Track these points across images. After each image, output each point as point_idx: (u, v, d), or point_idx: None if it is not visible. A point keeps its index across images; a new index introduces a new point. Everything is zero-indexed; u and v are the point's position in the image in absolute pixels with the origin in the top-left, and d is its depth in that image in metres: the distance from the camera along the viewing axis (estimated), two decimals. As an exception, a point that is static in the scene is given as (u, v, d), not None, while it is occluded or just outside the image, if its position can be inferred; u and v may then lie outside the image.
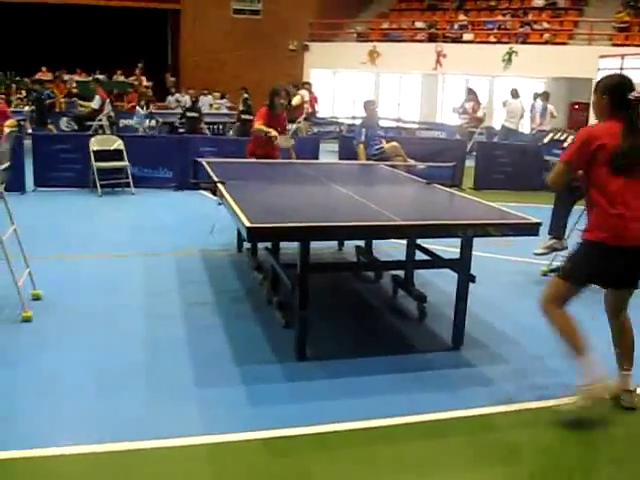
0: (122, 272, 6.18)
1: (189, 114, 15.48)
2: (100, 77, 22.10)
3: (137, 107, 17.15)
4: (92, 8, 25.81)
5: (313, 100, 20.79)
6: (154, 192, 10.32)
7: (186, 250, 6.97)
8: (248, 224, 3.72)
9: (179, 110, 17.77)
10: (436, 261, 5.08)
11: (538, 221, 4.36)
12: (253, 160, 7.05)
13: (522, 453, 3.42)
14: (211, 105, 20.72)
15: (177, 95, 20.95)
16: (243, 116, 16.23)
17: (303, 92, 19.02)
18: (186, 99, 19.01)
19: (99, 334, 4.68)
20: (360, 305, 5.64)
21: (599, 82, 3.85)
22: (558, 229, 6.34)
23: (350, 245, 6.70)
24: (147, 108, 17.93)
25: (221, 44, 25.62)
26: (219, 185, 5.10)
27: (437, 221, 4.20)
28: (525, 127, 17.21)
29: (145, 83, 23.99)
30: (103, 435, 3.35)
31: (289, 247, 4.67)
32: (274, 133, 7.37)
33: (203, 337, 4.69)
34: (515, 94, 16.80)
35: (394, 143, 9.91)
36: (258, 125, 7.47)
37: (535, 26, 23.73)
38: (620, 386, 3.88)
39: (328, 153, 13.37)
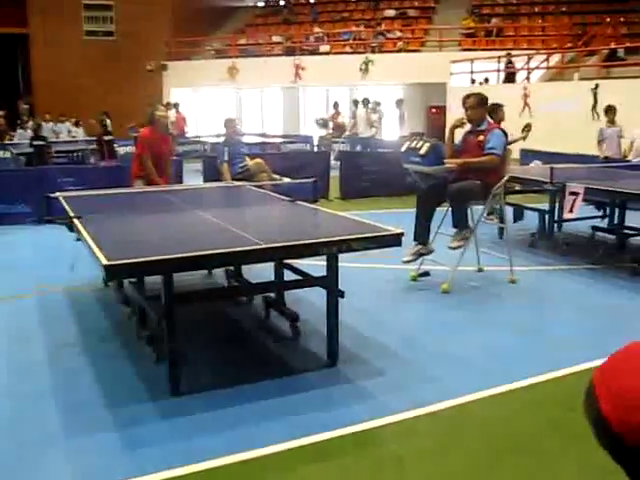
0: (-21, 319, 5.82)
1: (35, 143, 14.80)
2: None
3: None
4: None
5: (181, 120, 20.54)
6: (13, 228, 9.80)
7: (49, 289, 6.64)
8: (105, 262, 3.56)
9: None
10: (304, 280, 5.07)
11: (400, 231, 4.43)
12: (113, 191, 6.82)
13: (406, 463, 3.45)
14: (69, 132, 20.00)
15: (30, 124, 19.96)
16: (105, 137, 15.88)
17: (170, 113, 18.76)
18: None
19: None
20: (233, 330, 5.55)
21: None
22: (422, 234, 6.51)
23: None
24: (1, 140, 17.09)
25: (76, 68, 24.87)
26: (75, 220, 4.89)
27: (300, 242, 4.18)
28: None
29: (-2, 112, 22.86)
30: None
31: (155, 277, 4.52)
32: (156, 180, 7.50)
33: (70, 382, 4.45)
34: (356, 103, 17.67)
35: (258, 160, 9.91)
36: (148, 163, 7.59)
37: (388, 35, 24.50)
38: None
39: (193, 173, 13.20)
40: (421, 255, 6.56)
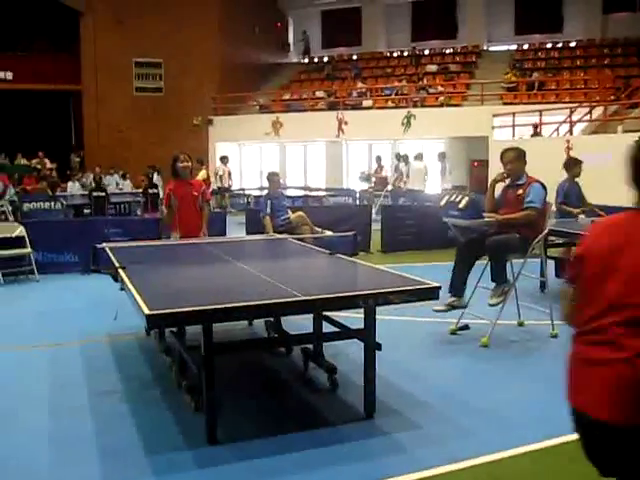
0: (25, 365, 5.97)
1: (95, 194, 15.32)
2: (1, 162, 21.69)
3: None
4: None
5: (226, 173, 21.03)
6: (60, 277, 10.07)
7: (93, 337, 6.80)
8: (147, 311, 3.67)
9: (83, 192, 17.54)
10: (342, 332, 5.13)
11: (437, 285, 4.45)
12: (157, 242, 7.01)
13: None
14: (117, 184, 20.56)
15: (82, 179, 20.61)
16: (150, 190, 16.31)
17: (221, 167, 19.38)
18: (91, 179, 18.86)
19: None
20: (272, 381, 5.61)
21: None
22: (457, 287, 6.50)
23: (260, 319, 6.69)
24: (53, 191, 17.63)
25: (125, 122, 25.63)
26: (119, 270, 5.04)
27: (338, 294, 4.24)
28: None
29: (49, 165, 23.66)
30: None
31: (196, 327, 4.62)
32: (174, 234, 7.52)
33: (111, 428, 4.54)
34: (419, 157, 17.52)
35: (300, 213, 10.06)
36: (166, 216, 7.62)
37: (430, 90, 24.74)
38: None
39: (236, 226, 13.40)
40: (454, 308, 6.53)
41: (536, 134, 19.70)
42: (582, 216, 9.32)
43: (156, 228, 10.45)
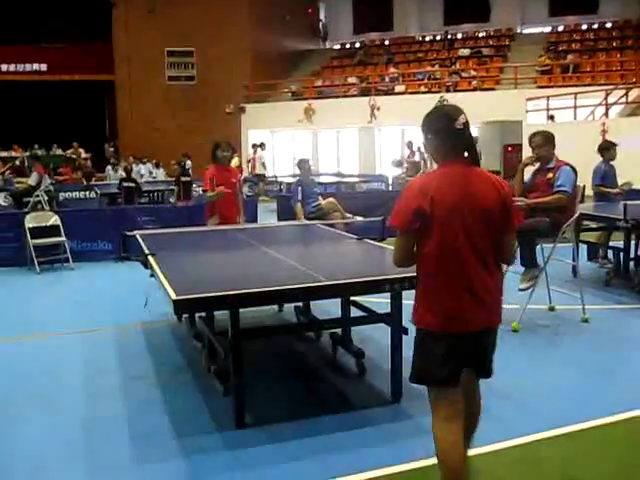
0: (61, 351, 6.09)
1: (125, 184, 15.46)
2: (38, 152, 22.01)
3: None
4: (26, 84, 25.98)
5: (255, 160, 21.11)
6: (94, 265, 10.21)
7: (126, 323, 6.91)
8: (174, 296, 3.73)
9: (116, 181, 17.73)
10: (369, 317, 5.14)
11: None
12: (187, 229, 7.08)
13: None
14: (150, 173, 20.73)
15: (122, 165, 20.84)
16: (182, 179, 16.43)
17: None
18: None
19: (36, 417, 4.59)
20: (300, 366, 5.66)
21: None
22: (530, 259, 6.44)
23: (291, 304, 6.74)
24: (88, 181, 17.88)
25: (158, 111, 25.85)
26: (149, 257, 5.11)
27: (364, 278, 4.26)
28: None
29: (84, 155, 23.97)
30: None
31: (225, 313, 4.68)
32: (221, 189, 7.43)
33: (143, 412, 4.63)
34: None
35: (330, 199, 10.07)
36: (208, 193, 7.60)
37: (463, 74, 24.50)
38: None
39: (269, 213, 13.45)
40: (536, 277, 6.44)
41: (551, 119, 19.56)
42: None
43: (187, 216, 10.57)
